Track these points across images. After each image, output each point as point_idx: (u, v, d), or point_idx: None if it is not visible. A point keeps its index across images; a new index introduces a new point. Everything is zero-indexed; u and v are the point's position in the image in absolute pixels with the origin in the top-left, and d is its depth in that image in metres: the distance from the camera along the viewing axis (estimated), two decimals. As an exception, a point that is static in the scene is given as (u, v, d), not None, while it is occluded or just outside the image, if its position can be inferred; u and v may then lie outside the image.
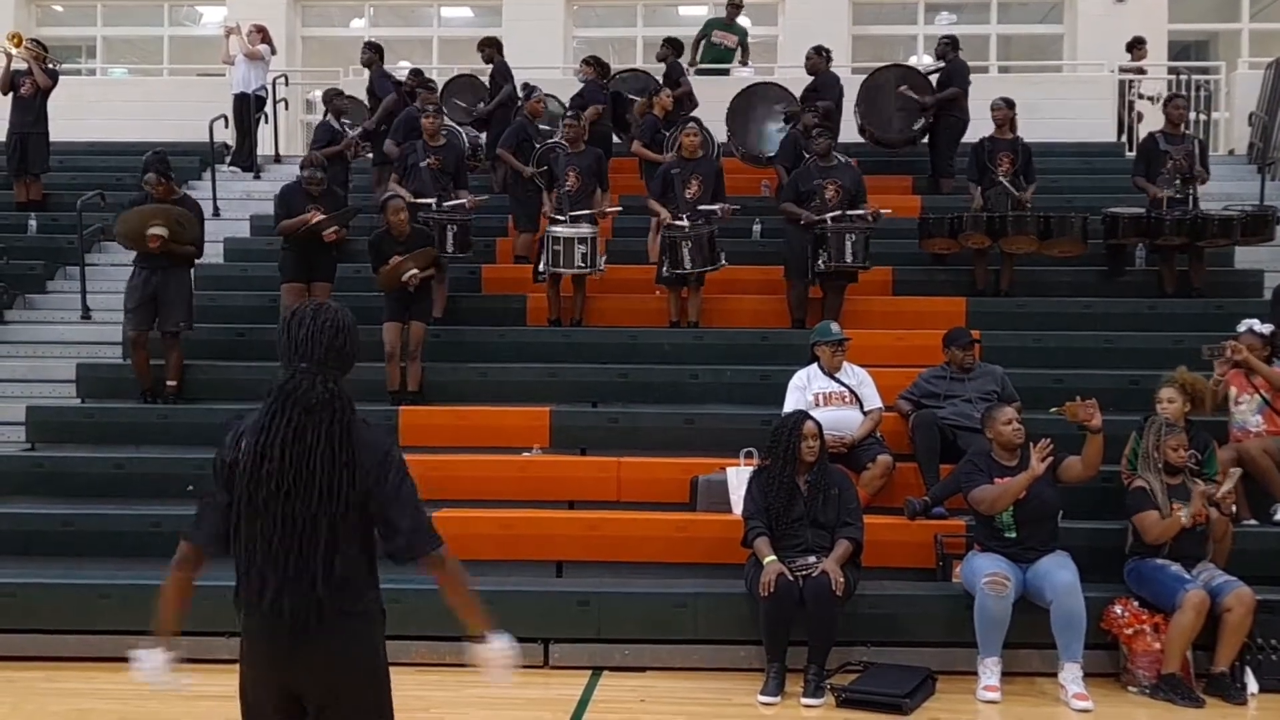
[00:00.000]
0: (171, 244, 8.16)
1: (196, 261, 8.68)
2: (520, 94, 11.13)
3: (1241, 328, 7.14)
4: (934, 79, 11.63)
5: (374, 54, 11.97)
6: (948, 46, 11.58)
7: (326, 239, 8.50)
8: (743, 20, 13.71)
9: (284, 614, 2.88)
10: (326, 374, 2.95)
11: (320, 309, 3.05)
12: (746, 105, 11.56)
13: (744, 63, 13.28)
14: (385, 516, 2.99)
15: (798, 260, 8.86)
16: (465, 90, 12.23)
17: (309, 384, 2.92)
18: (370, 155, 11.43)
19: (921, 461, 6.95)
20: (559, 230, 8.77)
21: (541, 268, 8.92)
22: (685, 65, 12.20)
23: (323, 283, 8.63)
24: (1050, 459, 5.82)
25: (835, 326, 7.35)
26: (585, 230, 8.77)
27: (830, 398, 7.07)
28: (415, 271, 8.11)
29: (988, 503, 5.92)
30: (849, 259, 8.54)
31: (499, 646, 3.11)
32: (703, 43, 13.22)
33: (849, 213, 8.72)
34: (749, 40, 13.41)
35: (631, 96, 11.53)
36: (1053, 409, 6.10)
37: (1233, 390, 6.98)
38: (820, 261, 8.58)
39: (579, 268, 8.77)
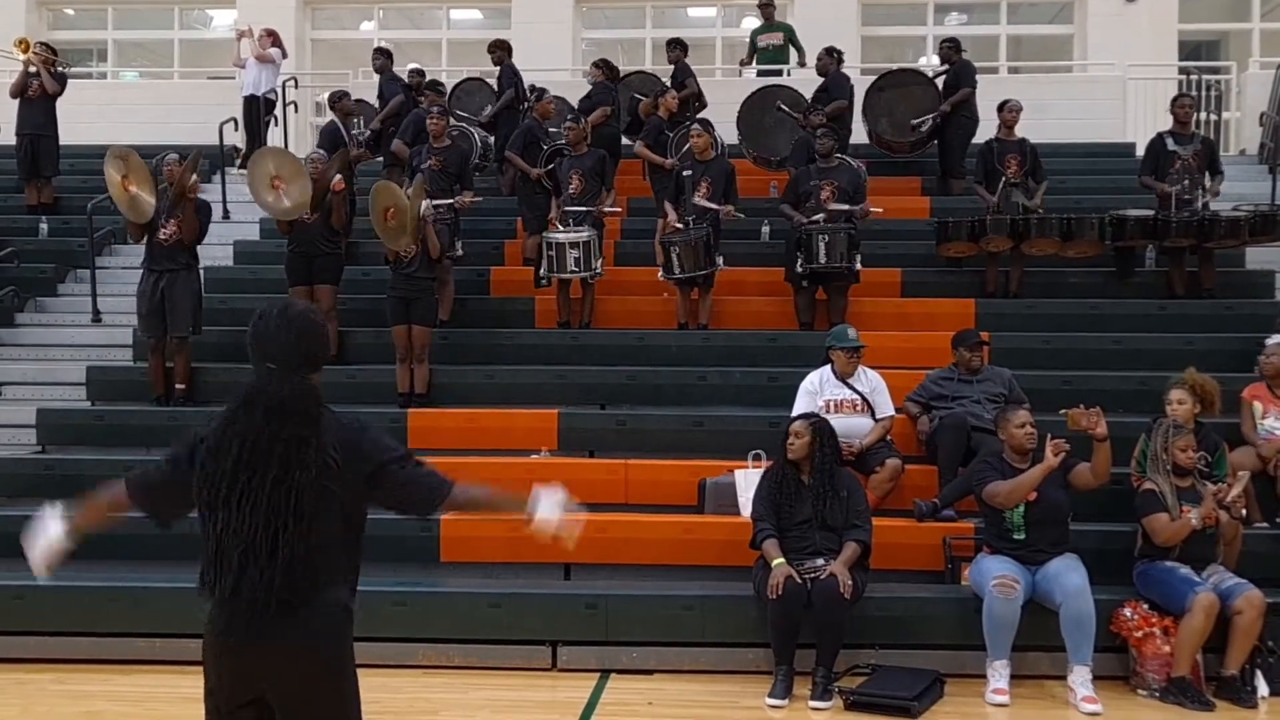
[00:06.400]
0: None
1: (204, 263, 8.70)
2: (530, 96, 11.15)
3: (1271, 341, 7.14)
4: (941, 81, 11.61)
5: (386, 59, 12.03)
6: (950, 49, 11.57)
7: (334, 189, 8.56)
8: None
9: (241, 606, 2.89)
10: (294, 373, 2.98)
11: (286, 309, 3.07)
12: (758, 107, 11.53)
13: (801, 62, 13.20)
14: (401, 497, 3.10)
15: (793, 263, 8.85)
16: (472, 93, 12.23)
17: (277, 383, 2.95)
18: (381, 159, 11.45)
19: (943, 463, 6.92)
20: (554, 235, 8.82)
21: (542, 272, 8.96)
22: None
23: (325, 285, 8.63)
24: (1065, 454, 5.81)
25: (853, 332, 7.25)
26: (582, 234, 8.78)
27: (841, 405, 7.04)
28: (426, 202, 8.25)
29: (1003, 495, 5.90)
30: (823, 259, 8.52)
31: (547, 504, 3.16)
32: (755, 53, 13.34)
33: (837, 208, 8.71)
34: (796, 35, 13.36)
35: (638, 96, 11.53)
36: (1061, 410, 6.08)
37: (1258, 406, 6.98)
38: (798, 265, 8.58)
39: (572, 271, 8.79)
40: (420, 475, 3.13)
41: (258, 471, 2.90)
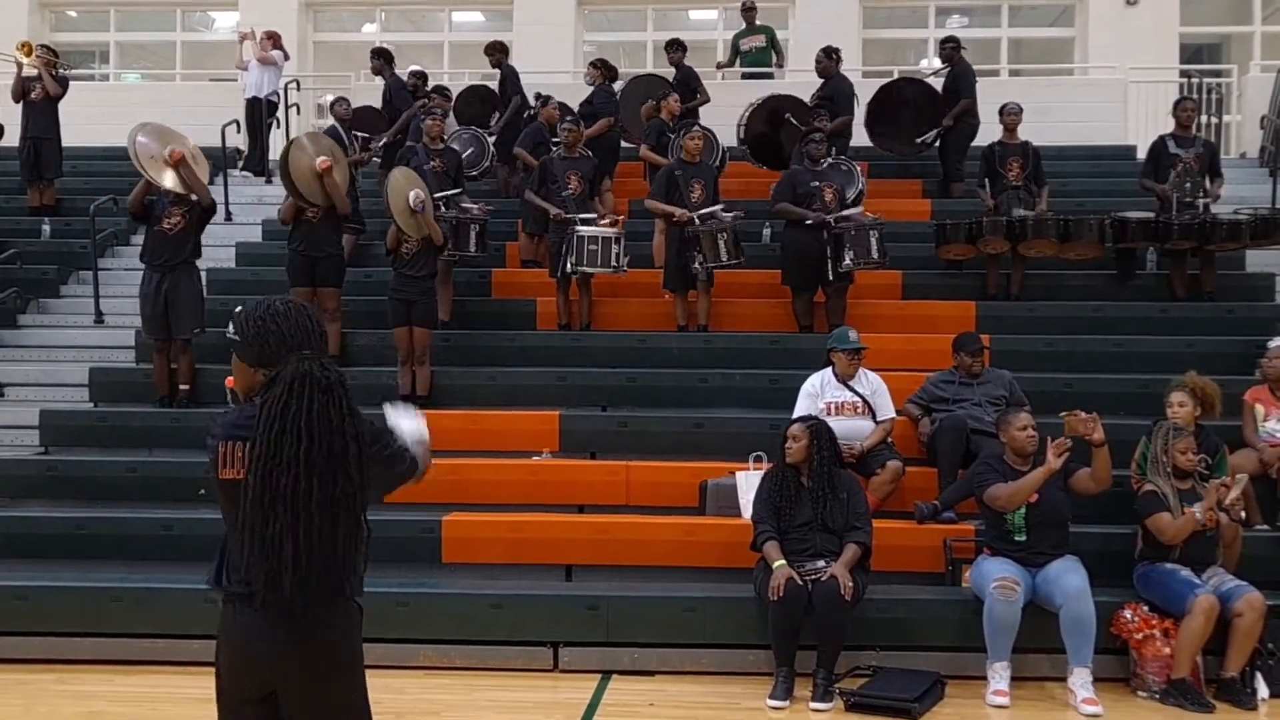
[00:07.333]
0: (189, 178, 8.18)
1: (206, 265, 8.69)
2: (534, 102, 11.17)
3: (1273, 344, 7.21)
4: (939, 82, 11.63)
5: (384, 62, 11.99)
6: (951, 49, 11.58)
7: (320, 168, 8.41)
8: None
9: (286, 600, 2.82)
10: (325, 358, 2.99)
11: (289, 303, 3.10)
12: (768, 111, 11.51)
13: (780, 63, 13.21)
14: (393, 476, 3.13)
15: (801, 264, 8.79)
16: (473, 101, 12.21)
17: (320, 368, 2.93)
18: (379, 160, 11.46)
19: (942, 465, 6.93)
20: (592, 229, 8.68)
21: (569, 267, 8.75)
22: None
23: (329, 288, 8.63)
24: (1066, 455, 5.82)
25: (854, 334, 7.26)
26: (615, 230, 8.76)
27: (842, 408, 7.05)
28: (419, 193, 8.15)
29: (1004, 498, 5.91)
30: (875, 256, 8.56)
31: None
32: (738, 57, 13.39)
33: (854, 214, 8.72)
34: (777, 37, 13.41)
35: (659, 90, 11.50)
36: (1061, 413, 6.09)
37: (1260, 409, 7.01)
38: (847, 260, 8.53)
39: (614, 267, 8.71)
40: (408, 455, 3.16)
41: (335, 452, 2.84)
